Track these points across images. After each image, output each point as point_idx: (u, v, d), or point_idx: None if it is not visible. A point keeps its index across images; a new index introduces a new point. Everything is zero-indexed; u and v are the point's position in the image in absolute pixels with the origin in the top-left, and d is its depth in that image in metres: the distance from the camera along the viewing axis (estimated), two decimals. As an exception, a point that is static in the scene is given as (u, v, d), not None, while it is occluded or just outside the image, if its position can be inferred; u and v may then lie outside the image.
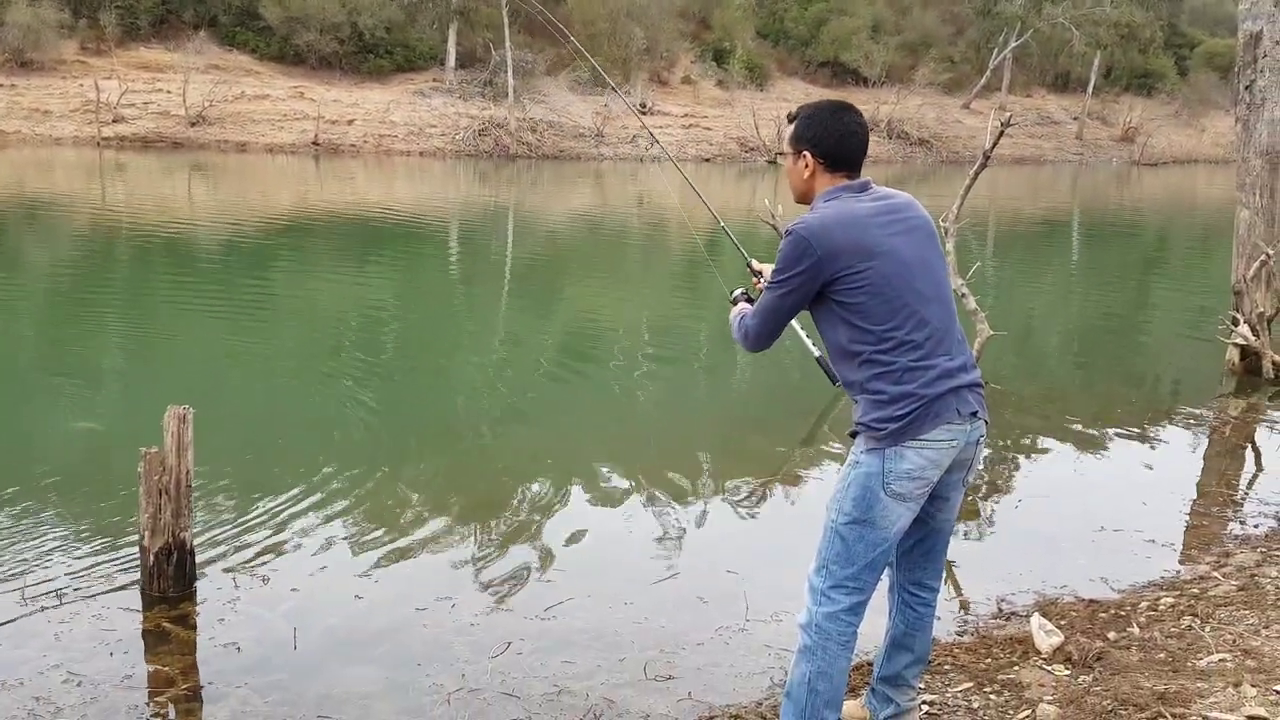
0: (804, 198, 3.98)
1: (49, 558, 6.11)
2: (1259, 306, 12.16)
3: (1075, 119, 58.48)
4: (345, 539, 6.62)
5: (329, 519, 6.93)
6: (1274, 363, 11.96)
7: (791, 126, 3.95)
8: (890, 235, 3.72)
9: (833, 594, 3.84)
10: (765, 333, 3.97)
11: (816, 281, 3.69)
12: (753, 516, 7.73)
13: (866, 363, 3.66)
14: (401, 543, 6.70)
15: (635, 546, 6.94)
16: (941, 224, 11.64)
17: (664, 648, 5.45)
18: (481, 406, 10.45)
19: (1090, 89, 58.33)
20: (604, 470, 8.45)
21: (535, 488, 7.87)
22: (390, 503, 7.34)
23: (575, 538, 6.96)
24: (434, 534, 6.87)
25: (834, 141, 3.84)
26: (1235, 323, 12.31)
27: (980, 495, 8.26)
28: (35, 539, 6.39)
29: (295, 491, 7.40)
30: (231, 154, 37.20)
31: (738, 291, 4.55)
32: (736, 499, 7.96)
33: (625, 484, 8.16)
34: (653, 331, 14.29)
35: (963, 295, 11.15)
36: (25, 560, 6.07)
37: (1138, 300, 19.36)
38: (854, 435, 3.82)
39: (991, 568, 6.82)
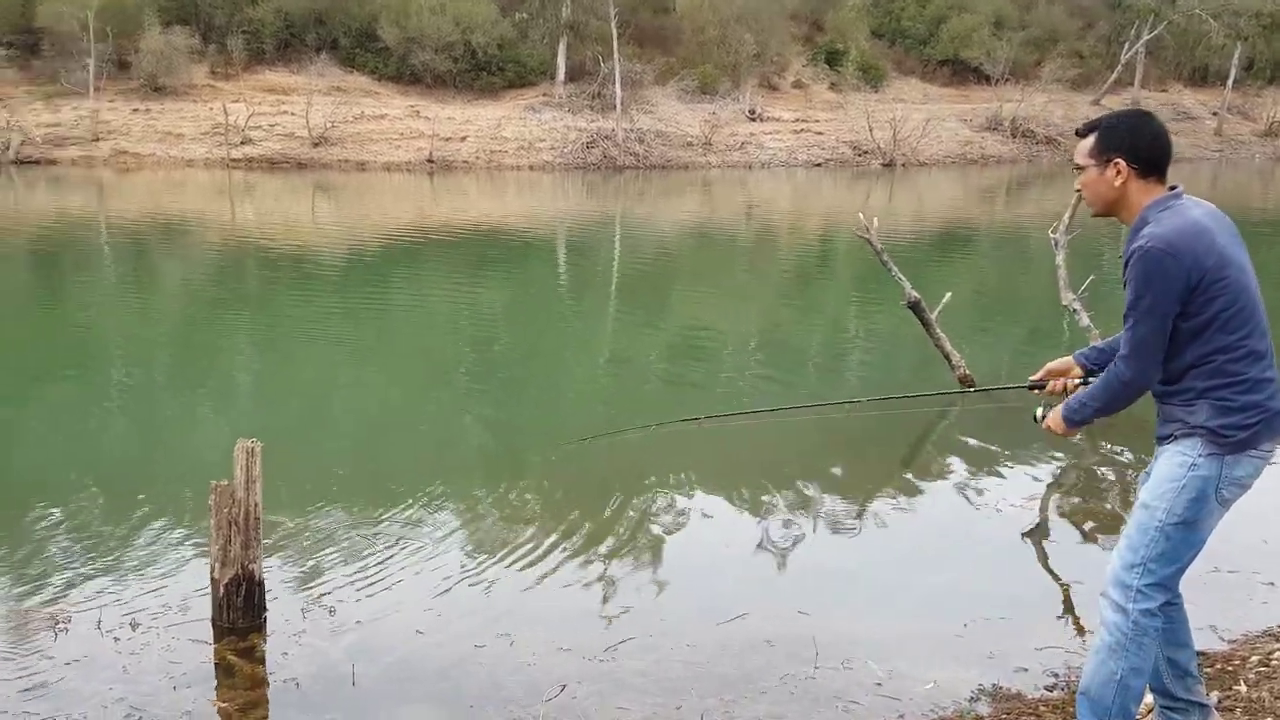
0: (1109, 209, 3.94)
1: (138, 579, 6.34)
2: None
3: (1214, 114, 55.37)
4: (416, 568, 6.67)
5: (404, 545, 7.01)
6: None
7: (1090, 139, 3.92)
8: (1230, 244, 3.74)
9: (1149, 590, 3.92)
10: (1147, 367, 3.78)
11: (1183, 297, 3.65)
12: (834, 552, 7.47)
13: (1217, 372, 3.71)
14: (471, 572, 6.72)
15: (706, 581, 6.79)
16: (1050, 234, 11.15)
17: (725, 695, 5.29)
18: (582, 423, 10.47)
19: (1230, 82, 55.12)
20: (688, 497, 8.32)
21: (617, 515, 7.80)
22: (468, 528, 7.40)
23: (647, 570, 6.86)
24: (505, 564, 6.86)
25: (1147, 145, 3.82)
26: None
27: (1080, 530, 7.82)
28: (130, 558, 6.66)
29: (376, 515, 7.54)
30: (352, 173, 38.50)
31: (1038, 411, 4.41)
32: (820, 531, 7.71)
33: (707, 513, 8.02)
34: (762, 345, 14.10)
35: (1074, 311, 10.64)
36: (109, 581, 6.32)
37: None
38: (1168, 439, 3.85)
39: (1088, 610, 6.41)
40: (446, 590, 6.43)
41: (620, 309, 16.44)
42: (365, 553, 6.90)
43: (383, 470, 8.78)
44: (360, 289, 17.56)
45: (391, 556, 6.84)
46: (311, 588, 6.35)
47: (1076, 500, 8.58)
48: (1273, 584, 6.60)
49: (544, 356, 13.60)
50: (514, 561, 6.90)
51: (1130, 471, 9.14)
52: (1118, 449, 9.67)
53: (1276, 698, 4.99)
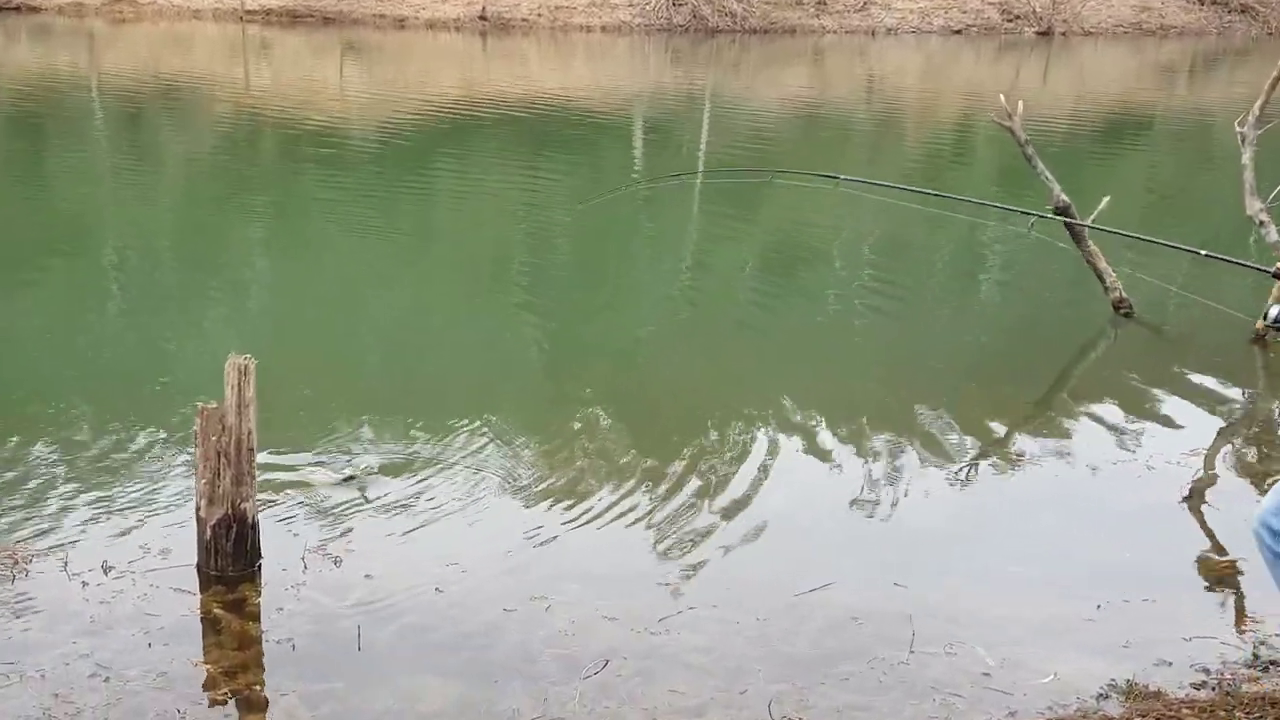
0: None
1: (112, 515, 6.47)
2: None
3: None
4: (439, 514, 6.71)
5: (427, 487, 7.06)
6: None
7: None
8: None
9: None
10: None
11: None
12: (943, 511, 7.32)
13: None
14: (504, 519, 6.75)
15: (784, 542, 6.73)
16: (1236, 128, 10.65)
17: (798, 680, 5.25)
18: (655, 341, 10.50)
19: None
20: (779, 433, 8.24)
21: (687, 452, 7.76)
22: (504, 469, 7.43)
23: (714, 527, 6.81)
24: (545, 513, 6.88)
25: None
26: None
27: (1249, 495, 7.55)
28: (105, 490, 6.78)
29: (397, 448, 7.61)
30: (388, 30, 38.37)
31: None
32: (927, 484, 7.58)
33: (799, 454, 7.95)
34: (877, 251, 13.85)
35: (1261, 224, 10.19)
36: (78, 517, 6.43)
37: None
38: None
39: (1254, 596, 6.20)
40: (474, 542, 6.46)
41: (707, 205, 16.21)
42: (381, 494, 6.95)
43: (410, 394, 8.85)
44: (395, 174, 17.63)
45: (411, 499, 6.89)
46: (314, 532, 6.41)
47: (1251, 456, 8.30)
48: None
49: (612, 262, 13.55)
50: (556, 511, 6.90)
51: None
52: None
53: None
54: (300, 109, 23.54)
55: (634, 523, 6.79)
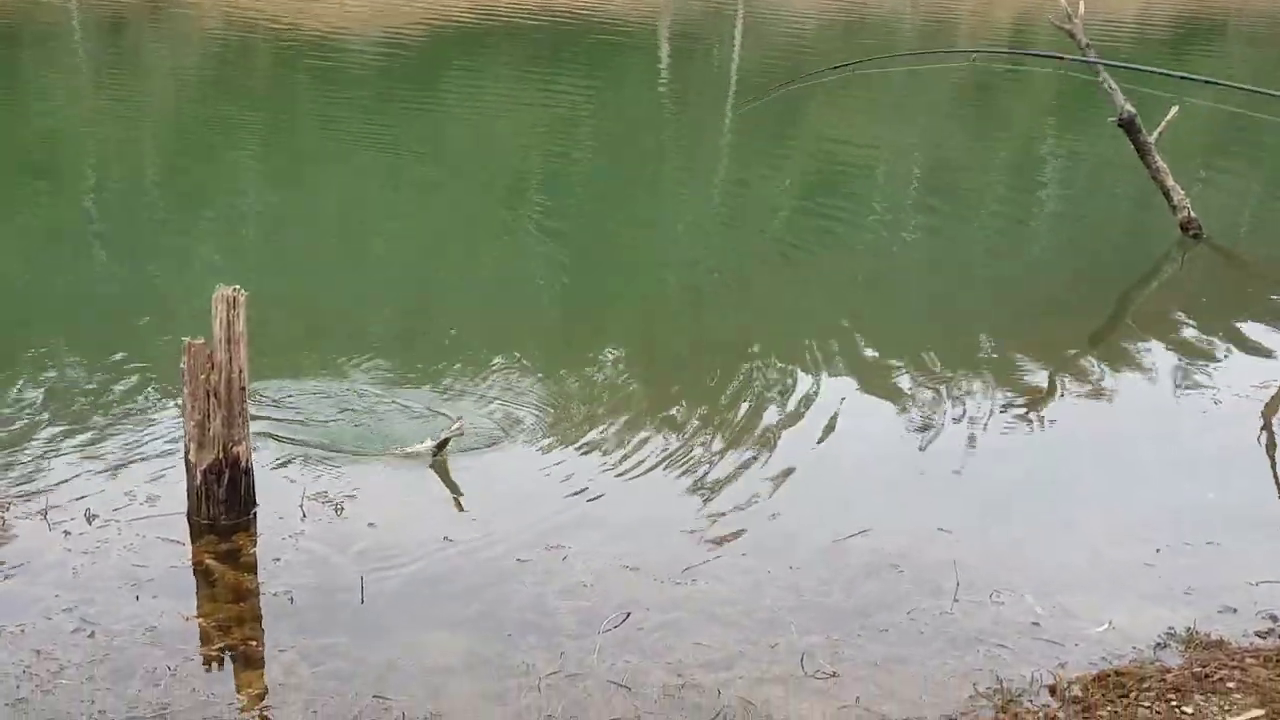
0: None
1: (98, 460, 6.47)
2: None
3: None
4: (448, 457, 6.70)
5: (435, 427, 7.04)
6: None
7: None
8: None
9: None
10: None
11: None
12: (991, 451, 7.28)
13: None
14: (517, 464, 6.76)
15: (820, 484, 6.73)
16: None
17: (834, 632, 5.25)
18: (687, 270, 10.45)
19: None
20: (816, 370, 8.23)
21: (716, 391, 7.75)
22: (518, 408, 7.43)
23: (744, 469, 6.81)
24: (562, 455, 6.88)
25: None
26: None
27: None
28: (91, 433, 6.78)
29: (402, 386, 7.63)
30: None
31: None
32: (974, 423, 7.54)
33: (837, 393, 7.93)
34: (925, 173, 13.72)
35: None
36: (62, 462, 6.43)
37: None
38: None
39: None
40: (485, 486, 6.48)
41: (741, 125, 16.05)
42: (385, 435, 6.96)
43: (417, 327, 8.88)
44: (401, 90, 17.54)
45: (419, 441, 6.86)
46: (314, 478, 6.42)
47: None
48: None
49: (637, 186, 13.44)
50: (573, 455, 6.89)
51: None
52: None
53: None
54: (297, 18, 23.31)
55: (657, 467, 6.79)
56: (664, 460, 6.84)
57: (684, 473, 6.72)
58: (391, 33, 22.14)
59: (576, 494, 6.42)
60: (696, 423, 7.31)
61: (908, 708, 4.75)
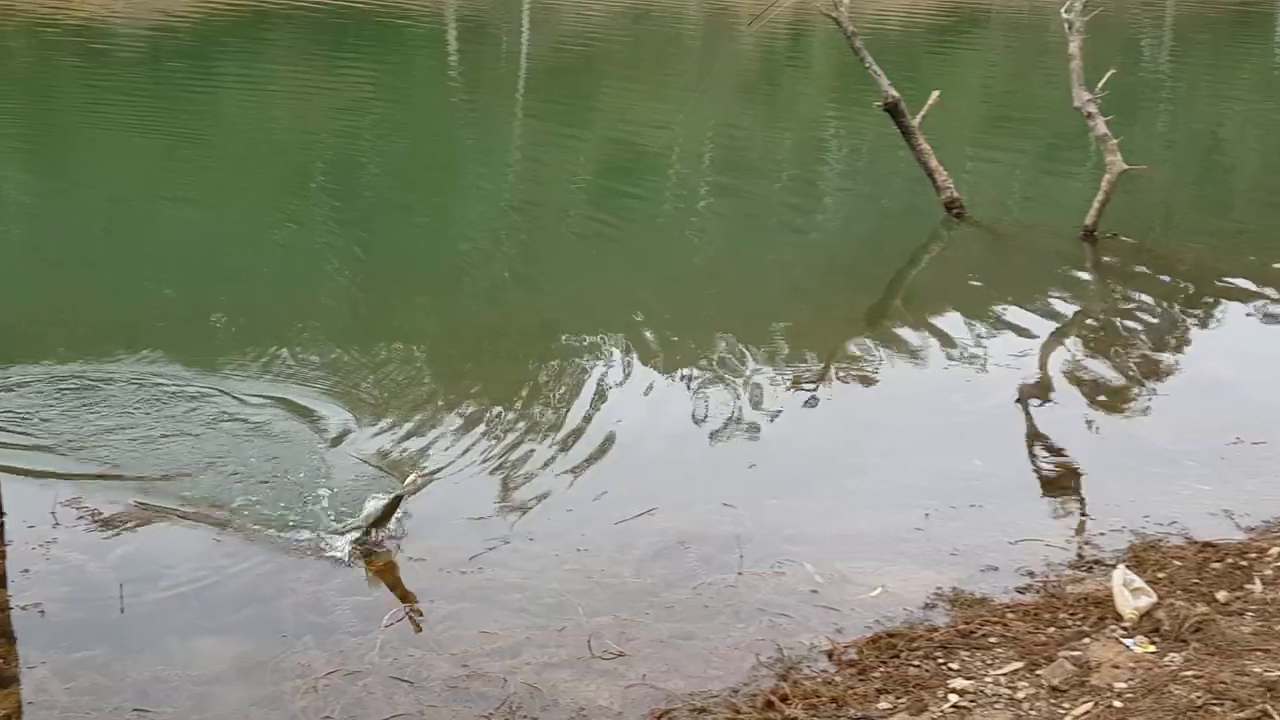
0: None
1: None
2: None
3: None
4: (215, 455, 6.44)
5: (208, 420, 6.80)
6: None
7: None
8: None
9: None
10: None
11: None
12: (772, 427, 7.41)
13: None
14: (292, 457, 6.49)
15: (605, 466, 6.73)
16: (1063, 14, 10.97)
17: (621, 611, 5.26)
18: (481, 256, 10.32)
19: None
20: (606, 352, 8.26)
21: (508, 375, 7.73)
22: (306, 395, 7.23)
23: (536, 451, 6.79)
24: (347, 442, 6.71)
25: None
26: None
27: (1082, 394, 7.91)
28: None
29: (176, 381, 7.29)
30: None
31: None
32: (759, 402, 7.67)
33: (625, 373, 7.98)
34: (716, 157, 13.89)
35: (1089, 116, 10.55)
36: None
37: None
38: None
39: (1082, 495, 6.54)
40: (256, 484, 6.21)
41: (534, 109, 15.98)
42: (149, 428, 6.67)
43: (197, 319, 8.53)
44: (174, 76, 16.76)
45: (198, 434, 6.66)
46: (67, 483, 6.07)
47: (1083, 356, 8.64)
48: (1310, 456, 6.75)
49: (429, 172, 13.20)
50: (358, 443, 6.75)
51: (1162, 321, 9.20)
52: (1146, 296, 9.72)
53: (1300, 599, 5.11)
54: (54, 10, 22.11)
55: (444, 455, 6.68)
56: (451, 448, 6.75)
57: (471, 460, 6.65)
58: (160, 18, 21.26)
59: (348, 483, 6.25)
60: (485, 409, 7.25)
61: (693, 682, 4.78)
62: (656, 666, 4.88)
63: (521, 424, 7.15)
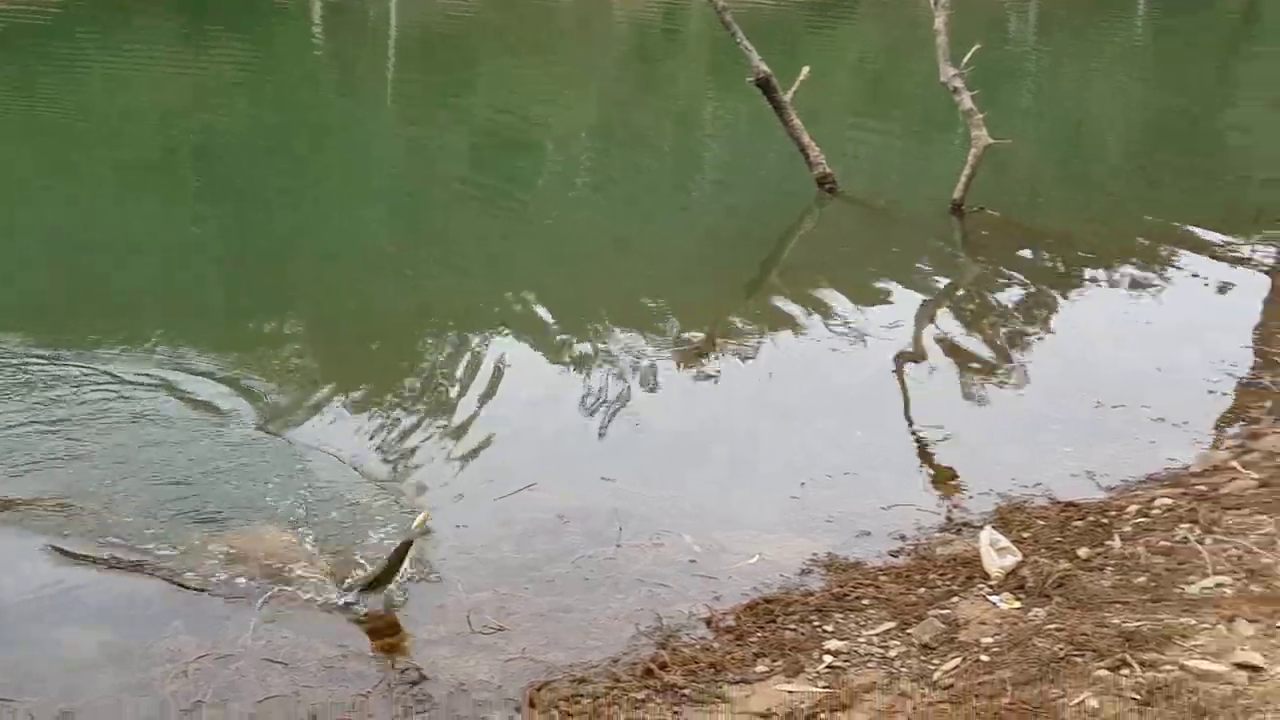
0: None
1: None
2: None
3: None
4: (75, 441, 6.27)
5: (64, 407, 6.62)
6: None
7: None
8: None
9: None
10: None
11: None
12: (653, 402, 7.46)
13: None
14: (177, 438, 6.37)
15: (493, 444, 6.70)
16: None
17: (501, 587, 5.25)
18: (359, 240, 10.16)
19: None
20: (488, 331, 8.23)
21: (389, 355, 7.72)
22: (184, 382, 7.07)
23: (417, 429, 6.75)
24: (227, 421, 6.60)
25: None
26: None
27: (954, 364, 8.10)
28: None
29: (36, 369, 7.08)
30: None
31: None
32: (638, 378, 7.70)
33: (508, 352, 7.95)
34: (595, 136, 13.83)
35: (954, 91, 10.75)
36: None
37: (1221, 87, 18.88)
38: None
39: (952, 461, 6.69)
40: (120, 468, 6.07)
41: (405, 91, 15.76)
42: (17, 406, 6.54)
43: (59, 302, 8.35)
44: (23, 57, 16.11)
45: (43, 417, 6.48)
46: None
47: (956, 328, 8.84)
48: (1164, 420, 7.00)
49: (306, 152, 12.94)
50: (236, 423, 6.64)
51: (1029, 292, 9.45)
52: (1012, 267, 9.96)
53: (1155, 553, 5.29)
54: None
55: (324, 434, 6.62)
56: (331, 428, 6.69)
57: (351, 439, 6.57)
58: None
59: (212, 471, 6.12)
60: (365, 390, 7.19)
61: (573, 654, 4.81)
62: (536, 640, 4.89)
63: (401, 403, 7.11)
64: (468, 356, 7.78)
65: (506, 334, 8.24)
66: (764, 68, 10.93)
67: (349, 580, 5.05)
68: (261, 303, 8.62)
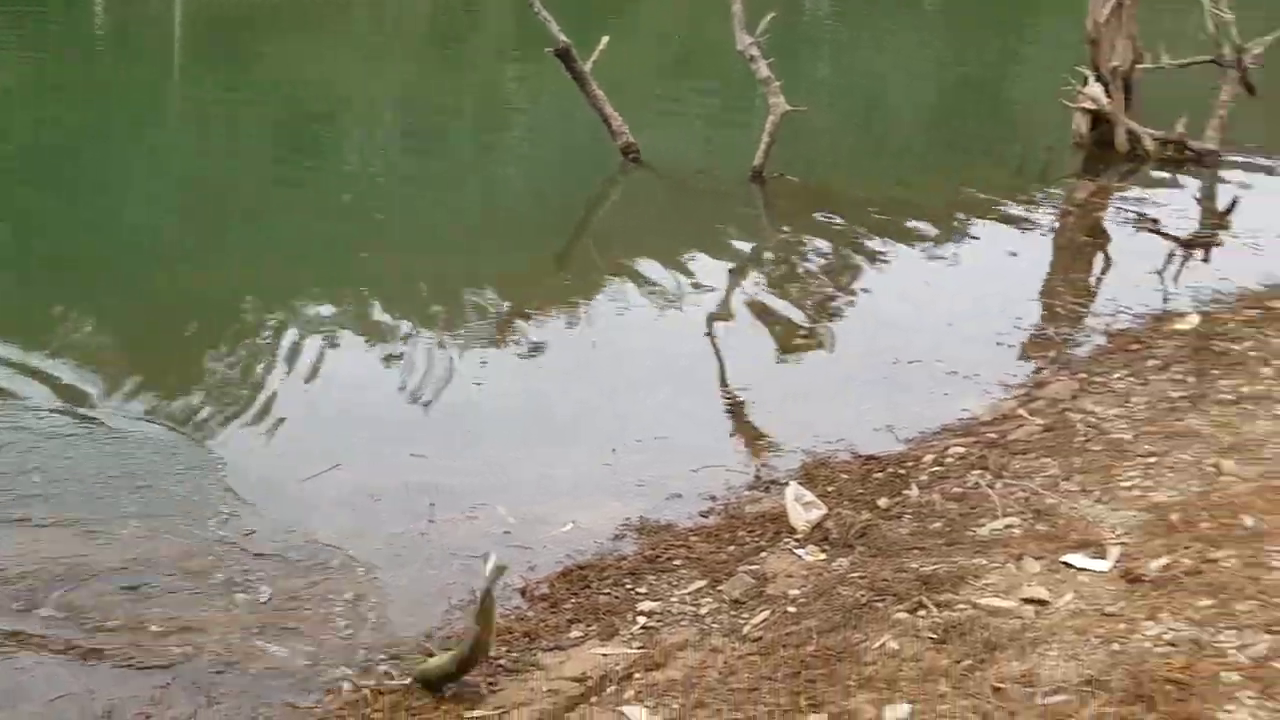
0: None
1: None
2: (1115, 59, 12.39)
3: None
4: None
5: None
6: (1130, 132, 12.32)
7: None
8: None
9: None
10: None
11: None
12: (467, 378, 7.38)
13: None
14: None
15: (296, 425, 6.59)
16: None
17: (301, 575, 5.13)
18: (146, 226, 9.75)
19: None
20: (299, 312, 8.10)
21: (199, 340, 7.51)
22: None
23: (222, 413, 6.60)
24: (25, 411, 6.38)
25: None
26: (1086, 81, 12.57)
27: (760, 327, 8.25)
28: None
29: None
30: None
31: None
32: (452, 353, 7.63)
33: (318, 332, 7.80)
34: (398, 112, 13.56)
35: (751, 59, 10.92)
36: None
37: (1007, 55, 19.64)
38: None
39: (761, 421, 6.83)
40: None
41: (193, 72, 15.18)
42: None
43: None
44: None
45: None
46: None
47: (761, 292, 9.01)
48: (956, 373, 7.28)
49: (89, 142, 12.32)
50: (33, 413, 6.42)
51: (830, 256, 9.69)
52: (813, 232, 10.18)
53: (949, 499, 5.51)
54: None
55: (129, 420, 6.43)
56: (140, 416, 6.50)
57: (157, 424, 6.41)
58: None
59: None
60: (171, 379, 6.99)
61: (384, 630, 4.76)
62: (344, 623, 4.80)
63: (205, 390, 6.92)
64: (273, 338, 7.63)
65: (316, 313, 8.07)
66: (563, 38, 10.92)
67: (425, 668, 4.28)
68: (58, 291, 8.29)
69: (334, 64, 15.95)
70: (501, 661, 4.40)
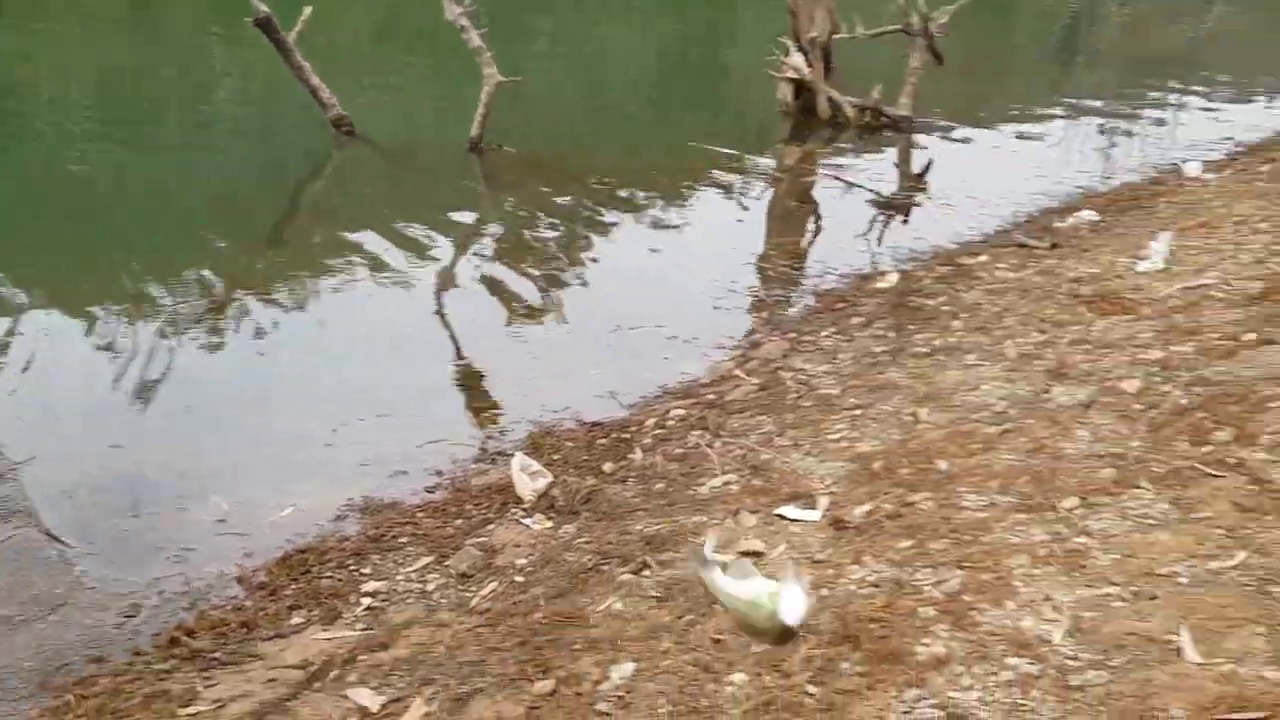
0: None
1: None
2: (814, 30, 12.89)
3: None
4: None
5: None
6: (831, 100, 12.87)
7: None
8: None
9: None
10: None
11: None
12: (178, 364, 7.04)
13: None
14: None
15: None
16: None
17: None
18: None
19: None
20: (12, 302, 7.59)
21: None
22: None
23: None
24: None
25: None
26: (788, 51, 13.04)
27: (485, 298, 8.21)
28: None
29: None
30: None
31: None
32: (159, 340, 7.27)
33: (29, 322, 7.37)
34: (94, 91, 12.68)
35: (462, 29, 10.80)
36: None
37: (723, 28, 20.14)
38: None
39: (487, 394, 6.80)
40: None
41: None
42: None
43: None
44: None
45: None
46: None
47: (484, 262, 8.96)
48: (676, 337, 7.43)
49: None
50: None
51: (552, 227, 9.70)
52: (535, 203, 10.17)
53: (671, 460, 5.63)
54: None
55: None
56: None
57: None
58: None
59: None
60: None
61: (88, 634, 4.48)
62: (39, 630, 4.50)
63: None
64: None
65: (19, 301, 7.51)
66: (263, 8, 10.50)
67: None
68: None
69: (18, 44, 14.87)
70: (216, 655, 4.21)
